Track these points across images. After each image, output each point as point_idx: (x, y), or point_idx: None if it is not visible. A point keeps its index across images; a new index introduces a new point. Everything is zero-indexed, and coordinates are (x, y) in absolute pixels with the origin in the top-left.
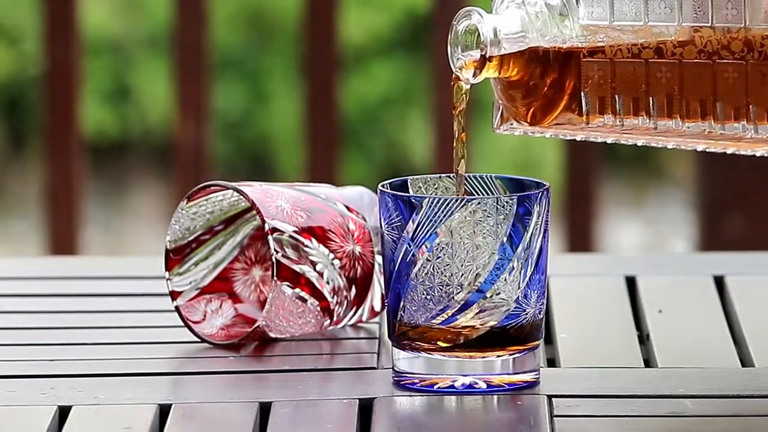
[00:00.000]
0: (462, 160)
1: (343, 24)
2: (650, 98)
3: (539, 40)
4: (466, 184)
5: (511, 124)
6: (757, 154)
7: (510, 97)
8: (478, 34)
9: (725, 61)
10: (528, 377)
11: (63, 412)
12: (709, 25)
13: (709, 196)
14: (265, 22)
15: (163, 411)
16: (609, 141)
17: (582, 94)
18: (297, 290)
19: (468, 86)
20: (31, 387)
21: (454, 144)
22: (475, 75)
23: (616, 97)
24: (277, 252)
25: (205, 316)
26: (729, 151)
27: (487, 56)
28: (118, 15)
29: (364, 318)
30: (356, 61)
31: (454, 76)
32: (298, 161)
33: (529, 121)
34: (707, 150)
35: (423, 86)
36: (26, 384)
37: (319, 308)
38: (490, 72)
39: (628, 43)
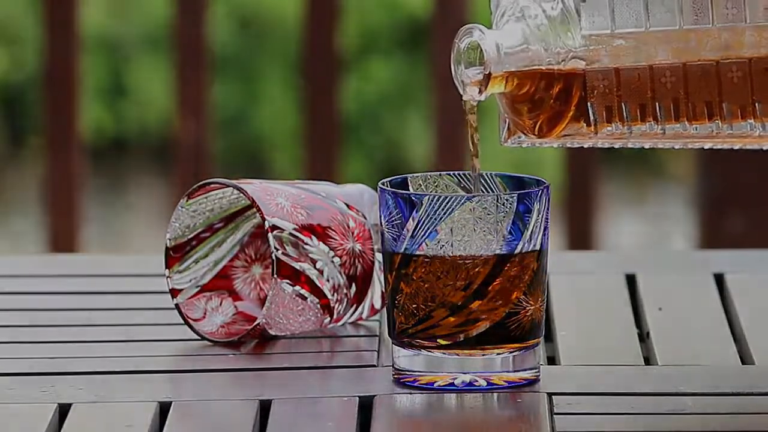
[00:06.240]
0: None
1: (342, 22)
2: (657, 103)
3: (542, 53)
4: (466, 182)
5: (519, 137)
6: (764, 148)
7: (516, 111)
8: (481, 50)
9: (729, 60)
10: (528, 375)
11: (63, 410)
12: (710, 25)
13: (710, 194)
14: (261, 19)
15: (164, 409)
16: (616, 146)
17: (588, 104)
18: (297, 288)
19: (475, 103)
20: (31, 385)
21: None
22: (480, 92)
23: (623, 105)
24: (277, 249)
25: (205, 313)
26: (736, 147)
27: (491, 73)
28: (115, 13)
29: (364, 316)
30: (356, 59)
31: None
32: (295, 160)
33: (536, 133)
34: (714, 147)
35: (423, 84)
36: (26, 381)
37: (319, 306)
38: (495, 88)
39: (631, 49)
